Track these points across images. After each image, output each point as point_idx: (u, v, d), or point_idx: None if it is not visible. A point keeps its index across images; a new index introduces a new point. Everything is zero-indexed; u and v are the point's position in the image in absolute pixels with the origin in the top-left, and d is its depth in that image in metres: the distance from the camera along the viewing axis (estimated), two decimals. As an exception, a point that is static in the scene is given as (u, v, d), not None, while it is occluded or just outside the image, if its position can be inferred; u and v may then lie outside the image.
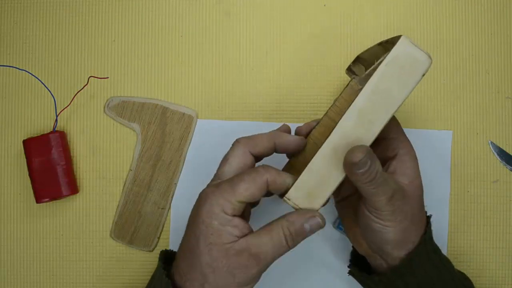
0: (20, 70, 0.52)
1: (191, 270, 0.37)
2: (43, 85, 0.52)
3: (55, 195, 0.49)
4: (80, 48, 0.52)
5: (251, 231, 0.38)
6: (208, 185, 0.40)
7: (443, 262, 0.42)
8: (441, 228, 0.50)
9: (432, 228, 0.42)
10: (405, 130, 0.51)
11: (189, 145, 0.51)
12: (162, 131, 0.51)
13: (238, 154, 0.40)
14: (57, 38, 0.52)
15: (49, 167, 0.49)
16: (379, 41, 0.53)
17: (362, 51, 0.52)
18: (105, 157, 0.51)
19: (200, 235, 0.37)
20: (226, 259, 0.36)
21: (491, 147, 0.51)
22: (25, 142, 0.49)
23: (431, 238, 0.42)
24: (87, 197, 0.51)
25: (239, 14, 0.52)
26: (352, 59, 0.53)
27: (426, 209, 0.42)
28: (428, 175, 0.50)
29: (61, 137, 0.49)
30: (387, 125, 0.38)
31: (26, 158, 0.49)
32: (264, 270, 0.37)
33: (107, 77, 0.52)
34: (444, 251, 0.50)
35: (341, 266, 0.50)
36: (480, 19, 0.52)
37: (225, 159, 0.40)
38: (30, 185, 0.49)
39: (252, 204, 0.43)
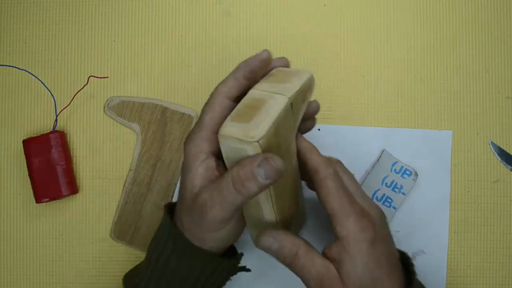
0: (20, 70, 0.52)
1: (178, 212, 0.38)
2: (43, 85, 0.52)
3: (55, 195, 0.49)
4: (80, 48, 0.52)
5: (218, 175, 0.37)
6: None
7: None
8: (441, 228, 0.50)
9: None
10: (405, 130, 0.51)
11: (189, 145, 0.51)
12: (162, 131, 0.51)
13: (218, 102, 0.38)
14: (57, 38, 0.52)
15: (49, 167, 0.49)
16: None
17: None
18: (105, 157, 0.51)
19: (182, 180, 0.37)
20: (192, 202, 0.36)
21: (491, 147, 0.51)
22: (25, 142, 0.49)
23: None
24: (87, 197, 0.51)
25: (239, 14, 0.52)
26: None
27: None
28: (428, 175, 0.51)
29: (61, 137, 0.49)
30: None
31: (26, 158, 0.49)
32: (227, 215, 0.36)
33: (107, 77, 0.52)
34: (445, 252, 0.50)
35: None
36: (480, 19, 0.52)
37: (205, 111, 0.38)
38: (30, 185, 0.49)
39: None
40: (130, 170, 0.51)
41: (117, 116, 0.51)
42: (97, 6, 0.52)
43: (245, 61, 0.38)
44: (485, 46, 0.52)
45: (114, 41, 0.52)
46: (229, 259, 0.39)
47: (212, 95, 0.38)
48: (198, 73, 0.52)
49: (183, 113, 0.51)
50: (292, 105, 0.36)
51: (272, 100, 0.35)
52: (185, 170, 0.37)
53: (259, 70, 0.38)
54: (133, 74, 0.52)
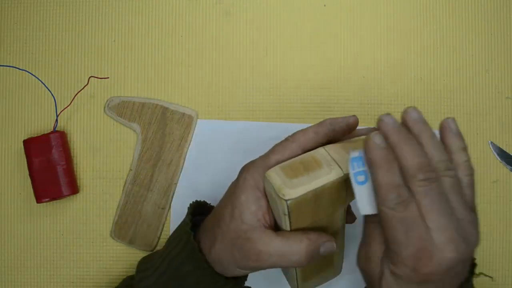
0: (20, 70, 0.52)
1: (210, 228, 0.39)
2: (43, 85, 0.52)
3: (55, 195, 0.49)
4: (80, 48, 0.52)
5: (271, 226, 0.37)
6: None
7: None
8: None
9: None
10: (405, 130, 0.51)
11: (189, 145, 0.51)
12: (162, 131, 0.51)
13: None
14: (57, 38, 0.52)
15: (49, 167, 0.49)
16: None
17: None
18: (105, 157, 0.52)
19: (229, 204, 0.38)
20: (236, 237, 0.37)
21: (491, 147, 0.51)
22: (25, 142, 0.49)
23: None
24: (87, 197, 0.51)
25: (239, 14, 0.52)
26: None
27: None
28: (428, 175, 0.50)
29: (61, 137, 0.49)
30: None
31: (27, 158, 0.49)
32: (262, 269, 0.37)
33: (107, 77, 0.52)
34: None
35: None
36: (480, 19, 0.52)
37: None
38: (30, 185, 0.49)
39: None
40: (130, 170, 0.51)
41: (117, 116, 0.51)
42: (97, 6, 0.52)
43: (333, 120, 0.38)
44: (485, 46, 0.52)
45: (114, 41, 0.52)
46: (235, 280, 0.40)
47: (287, 139, 0.38)
48: (198, 73, 0.52)
49: (183, 113, 0.51)
50: (347, 181, 0.35)
51: (327, 168, 0.35)
52: (235, 195, 0.37)
53: (341, 132, 0.38)
54: (133, 74, 0.52)
